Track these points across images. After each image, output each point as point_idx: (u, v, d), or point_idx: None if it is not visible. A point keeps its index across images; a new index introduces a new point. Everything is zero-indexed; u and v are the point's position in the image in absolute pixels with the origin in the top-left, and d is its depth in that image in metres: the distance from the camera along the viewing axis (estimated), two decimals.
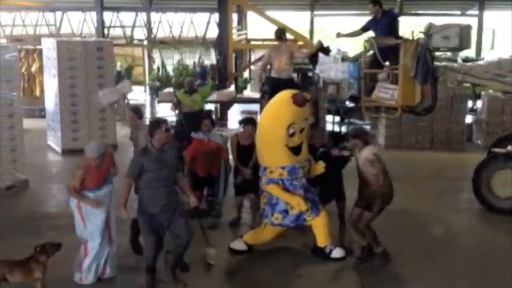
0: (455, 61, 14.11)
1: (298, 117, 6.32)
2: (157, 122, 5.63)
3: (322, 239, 6.52)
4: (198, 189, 7.79)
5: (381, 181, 5.94)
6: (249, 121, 7.32)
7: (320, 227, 6.50)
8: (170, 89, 13.97)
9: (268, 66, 9.82)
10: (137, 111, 7.29)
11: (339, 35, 9.42)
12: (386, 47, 8.65)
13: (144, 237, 5.68)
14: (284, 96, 6.46)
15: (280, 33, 9.33)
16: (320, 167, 6.62)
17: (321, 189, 6.83)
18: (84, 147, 5.73)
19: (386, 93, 8.63)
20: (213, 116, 12.65)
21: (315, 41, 12.81)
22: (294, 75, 10.53)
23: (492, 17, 21.55)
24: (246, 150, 7.18)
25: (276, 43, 9.42)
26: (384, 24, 8.96)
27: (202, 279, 5.99)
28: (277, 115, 6.39)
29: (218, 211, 7.79)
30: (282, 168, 6.37)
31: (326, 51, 9.65)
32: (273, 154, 6.41)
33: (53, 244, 5.48)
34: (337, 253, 6.48)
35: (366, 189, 6.06)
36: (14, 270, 5.32)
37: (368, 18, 9.40)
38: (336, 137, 7.18)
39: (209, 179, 7.72)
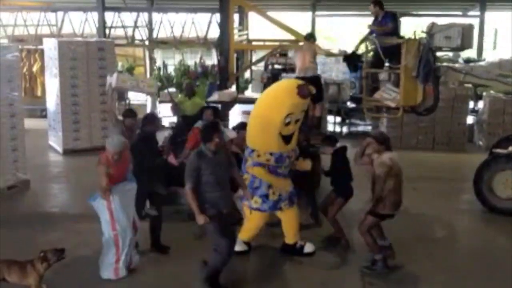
0: (456, 62, 14.12)
1: (298, 109, 6.25)
2: (214, 127, 5.65)
3: (291, 235, 6.60)
4: None
5: (388, 185, 5.89)
6: (243, 126, 7.30)
7: (291, 222, 6.56)
8: (167, 91, 13.96)
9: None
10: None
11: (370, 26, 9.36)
12: (388, 46, 8.65)
13: (216, 243, 5.52)
14: (289, 85, 6.41)
15: (310, 35, 9.69)
16: (306, 164, 6.69)
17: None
18: (106, 141, 5.81)
19: (389, 94, 8.64)
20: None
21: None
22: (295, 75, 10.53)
23: (494, 18, 21.54)
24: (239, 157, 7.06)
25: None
26: (384, 25, 8.96)
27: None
28: (278, 102, 6.26)
29: None
30: (271, 154, 6.32)
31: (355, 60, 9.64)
32: (264, 139, 6.34)
33: (56, 251, 5.40)
34: (309, 248, 6.59)
35: (375, 192, 6.04)
36: (12, 270, 5.29)
37: (368, 18, 9.44)
38: (332, 139, 7.19)
39: None
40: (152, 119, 6.77)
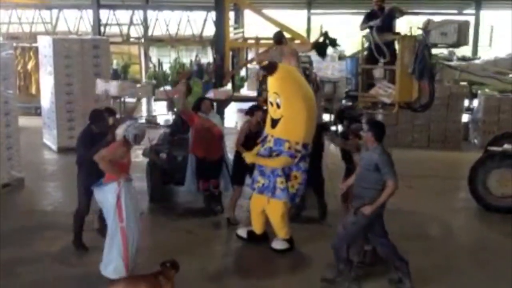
0: (451, 60, 14.12)
1: (269, 86, 6.51)
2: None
3: (278, 231, 6.65)
4: (204, 178, 7.77)
5: None
6: (255, 108, 7.45)
7: (273, 215, 6.56)
8: (164, 88, 13.95)
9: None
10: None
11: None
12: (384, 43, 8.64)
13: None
14: None
15: (279, 37, 9.05)
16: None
17: None
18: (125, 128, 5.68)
19: (385, 91, 8.64)
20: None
21: (311, 40, 12.83)
22: None
23: (489, 16, 21.58)
24: (252, 138, 7.11)
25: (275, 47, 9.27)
26: (387, 22, 8.92)
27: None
28: None
29: (222, 206, 7.88)
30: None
31: (333, 43, 9.49)
32: None
33: (176, 263, 5.24)
34: (279, 245, 6.58)
35: None
36: (142, 286, 5.04)
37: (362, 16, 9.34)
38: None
39: (213, 168, 7.73)
40: (99, 117, 6.61)
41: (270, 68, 6.37)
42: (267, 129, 6.55)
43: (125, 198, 5.58)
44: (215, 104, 11.92)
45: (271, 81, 6.43)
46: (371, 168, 5.45)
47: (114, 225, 5.61)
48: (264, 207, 6.57)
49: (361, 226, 5.58)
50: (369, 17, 9.13)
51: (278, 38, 9.02)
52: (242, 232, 6.85)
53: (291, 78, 6.54)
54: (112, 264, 5.64)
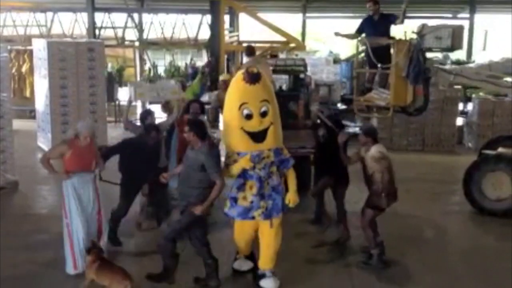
0: (445, 64, 14.16)
1: (251, 97, 5.53)
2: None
3: (265, 259, 5.84)
4: None
5: (385, 179, 6.02)
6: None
7: (267, 241, 5.77)
8: None
9: None
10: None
11: (337, 34, 9.37)
12: (377, 48, 8.66)
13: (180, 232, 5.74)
14: (238, 74, 5.79)
15: (250, 49, 9.85)
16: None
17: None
18: (78, 124, 5.85)
19: (380, 96, 8.67)
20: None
21: (306, 43, 12.86)
22: (285, 77, 10.49)
23: (483, 20, 21.70)
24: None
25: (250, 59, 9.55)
26: (383, 26, 8.95)
27: None
28: (231, 94, 5.72)
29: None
30: (238, 154, 5.61)
31: None
32: (231, 138, 5.70)
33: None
34: (268, 283, 5.78)
35: (370, 187, 6.18)
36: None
37: (358, 20, 9.40)
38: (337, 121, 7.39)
39: None
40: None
41: (258, 76, 5.59)
42: (249, 147, 5.59)
43: (68, 194, 5.75)
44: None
45: (255, 89, 5.57)
46: (197, 168, 5.41)
47: (63, 220, 5.85)
48: (266, 233, 5.77)
49: (184, 224, 5.57)
50: (364, 24, 9.14)
51: (249, 51, 9.84)
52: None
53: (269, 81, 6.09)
54: (67, 260, 5.85)
